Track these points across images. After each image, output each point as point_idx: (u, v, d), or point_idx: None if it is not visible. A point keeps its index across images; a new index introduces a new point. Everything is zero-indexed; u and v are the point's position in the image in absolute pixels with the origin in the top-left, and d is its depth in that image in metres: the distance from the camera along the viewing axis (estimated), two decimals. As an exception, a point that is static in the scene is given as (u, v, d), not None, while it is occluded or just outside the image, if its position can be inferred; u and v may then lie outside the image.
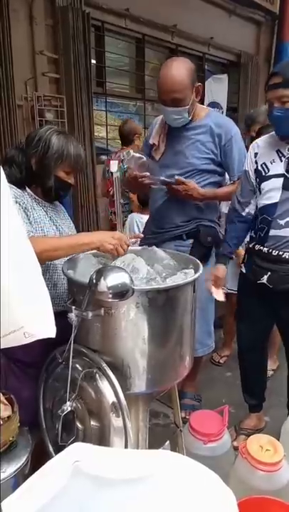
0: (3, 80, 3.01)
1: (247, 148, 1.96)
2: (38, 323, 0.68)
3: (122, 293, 1.06)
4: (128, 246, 1.36)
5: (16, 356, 1.34)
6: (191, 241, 1.98)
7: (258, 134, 2.24)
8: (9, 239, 0.64)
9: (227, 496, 0.83)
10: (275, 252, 1.72)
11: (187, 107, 1.82)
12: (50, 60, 3.47)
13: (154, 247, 1.51)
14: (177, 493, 0.86)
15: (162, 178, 1.87)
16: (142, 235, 1.78)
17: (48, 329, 0.69)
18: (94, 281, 1.07)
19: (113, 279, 1.06)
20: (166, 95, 1.80)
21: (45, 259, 1.28)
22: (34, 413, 1.34)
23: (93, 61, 3.84)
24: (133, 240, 1.46)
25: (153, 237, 2.00)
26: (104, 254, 1.40)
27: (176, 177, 1.88)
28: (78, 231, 4.00)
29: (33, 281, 0.69)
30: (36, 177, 1.39)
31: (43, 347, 1.32)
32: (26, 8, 3.21)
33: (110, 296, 1.05)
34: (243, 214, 1.87)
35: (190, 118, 1.90)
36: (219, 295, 1.83)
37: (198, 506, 0.84)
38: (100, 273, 1.07)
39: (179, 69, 1.79)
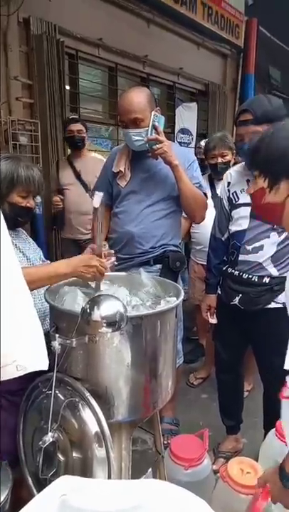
0: (-23, 104, 3.02)
1: None
2: (30, 355, 0.68)
3: (116, 322, 1.05)
4: (106, 269, 1.35)
5: (1, 388, 1.31)
6: (158, 266, 1.97)
7: None
8: (4, 269, 0.64)
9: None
10: (245, 276, 1.79)
11: (147, 128, 1.84)
12: (25, 85, 3.50)
13: (141, 269, 1.53)
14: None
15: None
16: (113, 251, 1.71)
17: (41, 361, 0.69)
18: (88, 310, 1.05)
19: (107, 309, 1.05)
20: (126, 116, 1.85)
21: None
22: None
23: (67, 87, 3.91)
24: (112, 259, 1.48)
25: (120, 263, 1.96)
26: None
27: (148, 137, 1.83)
28: (50, 254, 3.90)
29: (26, 313, 0.69)
30: None
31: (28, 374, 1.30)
32: (1, 36, 3.26)
33: (104, 325, 1.04)
34: (223, 239, 1.94)
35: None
36: (213, 320, 2.09)
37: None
38: (94, 302, 1.06)
39: (137, 92, 1.88)
